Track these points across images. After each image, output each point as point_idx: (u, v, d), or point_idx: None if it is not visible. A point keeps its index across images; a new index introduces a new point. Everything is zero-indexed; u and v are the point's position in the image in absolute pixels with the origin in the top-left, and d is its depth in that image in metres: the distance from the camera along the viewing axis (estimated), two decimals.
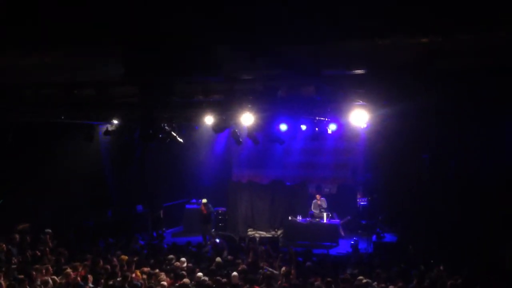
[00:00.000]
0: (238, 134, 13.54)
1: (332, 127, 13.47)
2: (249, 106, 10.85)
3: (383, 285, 9.70)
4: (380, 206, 16.10)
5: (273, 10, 4.42)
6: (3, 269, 10.01)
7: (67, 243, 12.43)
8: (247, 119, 11.71)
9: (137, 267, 10.40)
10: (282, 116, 12.44)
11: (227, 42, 4.94)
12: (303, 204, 16.91)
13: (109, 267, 10.17)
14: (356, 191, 17.36)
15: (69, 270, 9.66)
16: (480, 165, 12.35)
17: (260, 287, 9.51)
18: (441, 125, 12.43)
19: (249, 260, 11.72)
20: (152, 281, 9.68)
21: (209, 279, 9.60)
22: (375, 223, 15.48)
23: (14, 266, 10.23)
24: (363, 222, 16.08)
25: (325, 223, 15.87)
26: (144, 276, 9.81)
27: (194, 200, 17.82)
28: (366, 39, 5.37)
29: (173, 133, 13.77)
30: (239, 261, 11.34)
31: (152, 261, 11.27)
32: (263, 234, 16.58)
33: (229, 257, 11.73)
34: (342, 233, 16.26)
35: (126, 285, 9.14)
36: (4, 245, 11.06)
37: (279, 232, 16.65)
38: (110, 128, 14.48)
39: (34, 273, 9.42)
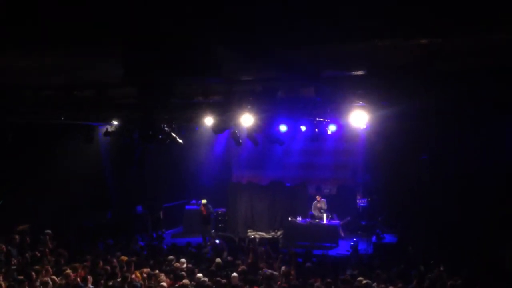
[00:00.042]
0: (238, 135, 13.53)
1: (331, 128, 13.47)
2: (249, 107, 10.85)
3: (383, 286, 9.70)
4: (380, 207, 16.10)
5: (273, 11, 4.41)
6: (3, 270, 10.00)
7: (66, 244, 12.42)
8: (247, 120, 11.72)
9: (137, 268, 10.39)
10: (281, 117, 12.44)
11: (227, 43, 4.94)
12: (303, 205, 16.92)
13: (109, 268, 10.17)
14: (356, 192, 17.36)
15: (68, 271, 9.65)
16: (480, 165, 12.36)
17: None
18: (441, 126, 12.45)
19: (249, 261, 11.71)
20: (152, 282, 9.67)
21: (208, 280, 9.59)
22: (375, 224, 15.47)
23: (13, 267, 10.21)
24: (363, 223, 16.09)
25: (325, 224, 15.87)
26: (145, 275, 9.81)
27: (194, 201, 17.82)
28: (366, 40, 5.38)
29: (173, 134, 13.76)
30: (239, 262, 11.34)
31: (151, 262, 11.26)
32: (263, 235, 16.58)
33: (229, 258, 11.73)
34: (342, 234, 16.26)
35: (126, 286, 9.13)
36: (3, 246, 11.05)
37: (279, 233, 16.65)
38: (110, 129, 14.48)
39: (33, 274, 9.40)
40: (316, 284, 9.77)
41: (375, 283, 9.66)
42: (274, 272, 10.54)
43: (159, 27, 4.59)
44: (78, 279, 9.43)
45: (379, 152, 15.09)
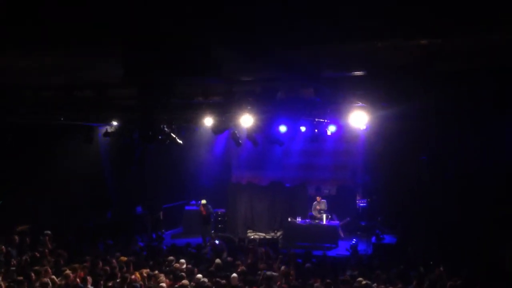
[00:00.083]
0: (238, 135, 13.54)
1: (331, 129, 13.47)
2: (249, 107, 10.86)
3: (382, 286, 9.70)
4: (380, 208, 16.09)
5: (273, 11, 4.41)
6: (2, 270, 10.00)
7: (66, 245, 12.42)
8: (246, 120, 11.72)
9: (137, 269, 10.38)
10: (281, 118, 12.44)
11: (227, 43, 4.95)
12: (303, 206, 16.91)
13: (108, 268, 10.16)
14: (356, 193, 17.35)
15: (68, 271, 9.64)
16: (480, 165, 12.36)
17: None
18: (440, 126, 12.45)
19: (249, 261, 11.71)
20: (152, 283, 9.67)
21: (208, 281, 9.59)
22: (375, 224, 15.46)
23: (13, 268, 10.20)
24: (363, 224, 16.08)
25: (324, 224, 15.86)
26: (144, 276, 9.80)
27: (193, 202, 17.82)
28: (366, 40, 5.38)
29: (172, 134, 13.76)
30: (239, 262, 11.33)
31: (151, 262, 11.27)
32: (263, 235, 16.57)
33: (229, 258, 11.72)
34: (342, 235, 16.25)
35: (125, 287, 9.13)
36: (3, 247, 11.04)
37: (278, 233, 16.64)
38: (109, 129, 14.48)
39: (33, 274, 9.40)
40: (315, 284, 9.77)
41: (374, 284, 9.66)
42: (274, 273, 10.54)
43: (159, 27, 4.59)
44: (78, 280, 9.42)
45: (379, 153, 15.09)
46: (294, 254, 12.19)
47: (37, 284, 9.12)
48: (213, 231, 16.57)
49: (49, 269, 9.91)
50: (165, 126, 13.39)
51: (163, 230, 16.90)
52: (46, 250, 11.53)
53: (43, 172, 14.36)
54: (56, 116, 12.35)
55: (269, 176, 17.97)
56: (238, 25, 4.56)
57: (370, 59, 6.39)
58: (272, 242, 14.82)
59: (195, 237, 15.79)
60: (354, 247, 14.23)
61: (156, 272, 10.14)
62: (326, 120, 13.21)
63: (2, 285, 9.00)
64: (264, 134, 12.81)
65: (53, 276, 9.59)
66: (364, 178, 17.06)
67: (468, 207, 12.19)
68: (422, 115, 11.24)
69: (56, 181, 14.48)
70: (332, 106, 10.82)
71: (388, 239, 14.91)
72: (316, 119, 13.13)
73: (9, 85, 8.48)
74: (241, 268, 10.64)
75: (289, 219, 16.26)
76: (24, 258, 11.02)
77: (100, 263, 10.50)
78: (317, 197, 16.53)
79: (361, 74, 7.63)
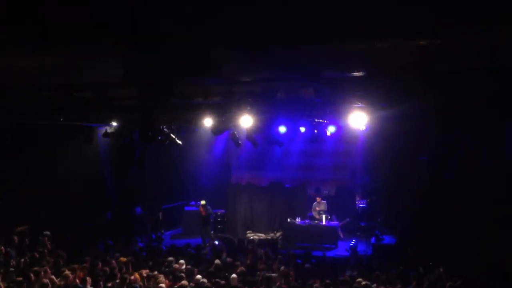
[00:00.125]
0: (237, 136, 13.54)
1: (331, 129, 13.47)
2: (248, 108, 10.86)
3: (382, 287, 9.69)
4: (379, 208, 16.09)
5: (273, 11, 4.41)
6: (1, 271, 9.98)
7: (66, 245, 12.41)
8: (246, 121, 11.72)
9: (136, 269, 10.37)
10: (281, 118, 12.46)
11: (227, 43, 4.95)
12: (302, 206, 16.90)
13: (108, 269, 10.15)
14: (355, 193, 17.35)
15: (67, 272, 9.63)
16: (480, 165, 12.37)
17: None
18: (440, 126, 12.46)
19: (248, 262, 11.70)
20: (151, 283, 9.66)
21: (208, 281, 9.58)
22: (374, 225, 15.46)
23: (12, 269, 10.18)
24: (362, 224, 16.07)
25: (324, 225, 15.86)
26: (144, 277, 9.80)
27: (193, 202, 17.81)
28: (366, 40, 5.38)
29: (172, 135, 13.76)
30: (238, 263, 11.32)
31: (151, 263, 11.26)
32: (262, 236, 16.56)
33: (228, 259, 11.71)
34: (341, 235, 16.25)
35: (125, 287, 9.12)
36: (2, 247, 11.03)
37: (278, 234, 16.63)
38: (109, 130, 14.48)
39: (32, 275, 9.39)
40: (315, 285, 9.76)
41: (374, 284, 9.65)
42: (273, 274, 10.53)
43: (159, 27, 4.59)
44: (77, 280, 9.41)
45: (378, 153, 15.10)
46: (293, 255, 12.18)
47: (37, 285, 9.11)
48: (212, 232, 16.57)
49: (48, 269, 9.90)
50: (164, 126, 13.39)
51: (162, 231, 16.89)
52: (46, 251, 11.52)
53: (43, 172, 14.37)
54: (56, 116, 12.35)
55: (268, 177, 17.97)
56: (238, 25, 4.56)
57: (370, 59, 6.40)
58: (271, 243, 14.82)
59: (194, 238, 15.78)
60: (353, 248, 14.23)
61: (156, 272, 10.13)
62: (325, 121, 13.21)
63: (2, 285, 8.99)
64: (263, 135, 12.83)
65: (53, 277, 9.59)
66: (364, 179, 17.07)
67: (468, 207, 12.20)
68: (422, 115, 11.25)
69: (56, 181, 14.49)
70: (331, 106, 10.84)
71: (387, 239, 14.91)
72: (316, 120, 13.13)
73: (9, 85, 8.48)
74: (241, 268, 10.63)
75: (289, 220, 16.25)
76: (23, 258, 11.01)
77: (100, 264, 10.49)
78: (317, 198, 16.52)
79: (360, 74, 7.64)
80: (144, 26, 4.55)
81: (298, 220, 16.13)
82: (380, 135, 13.92)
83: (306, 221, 16.09)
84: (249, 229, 17.21)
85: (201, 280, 9.64)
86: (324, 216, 15.94)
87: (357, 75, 7.68)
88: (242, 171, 18.30)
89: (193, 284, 9.52)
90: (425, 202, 13.54)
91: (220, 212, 17.58)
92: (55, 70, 6.78)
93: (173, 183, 18.28)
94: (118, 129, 14.15)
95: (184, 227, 17.85)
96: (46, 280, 9.18)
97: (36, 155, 14.24)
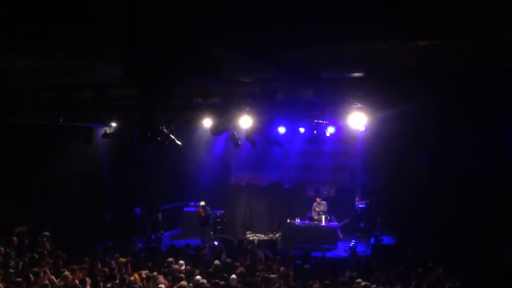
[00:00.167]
0: (237, 136, 13.53)
1: (330, 130, 13.45)
2: (248, 109, 10.87)
3: (381, 287, 9.69)
4: (379, 209, 16.09)
5: (273, 11, 4.41)
6: (1, 272, 9.97)
7: (65, 246, 12.40)
8: (245, 121, 11.72)
9: (135, 270, 10.37)
10: (280, 119, 12.46)
11: (227, 43, 4.94)
12: (302, 207, 16.89)
13: (107, 270, 10.14)
14: (355, 194, 17.33)
15: (67, 273, 9.63)
16: (480, 165, 12.38)
17: None
18: (440, 126, 12.47)
19: (248, 262, 11.69)
20: (150, 284, 9.65)
21: (207, 282, 9.57)
22: (374, 225, 15.45)
23: (11, 270, 10.16)
24: (362, 225, 16.06)
25: (323, 225, 15.85)
26: (143, 277, 9.79)
27: (192, 203, 17.79)
28: (365, 41, 5.39)
29: (171, 135, 13.75)
30: (238, 263, 11.32)
31: (150, 263, 11.24)
32: (262, 236, 16.56)
33: (228, 259, 11.70)
34: (341, 236, 16.24)
35: None
36: (1, 248, 11.02)
37: (277, 234, 16.63)
38: (108, 131, 14.48)
39: (32, 276, 9.38)
40: (314, 286, 9.76)
41: (373, 285, 9.65)
42: (272, 275, 10.53)
43: (159, 27, 4.58)
44: (77, 281, 9.40)
45: (378, 154, 15.10)
46: (293, 255, 12.17)
47: (36, 285, 9.10)
48: (212, 233, 16.55)
49: (47, 270, 9.89)
50: (164, 127, 13.39)
51: (162, 232, 16.89)
52: (45, 252, 11.51)
53: (43, 173, 14.38)
54: (55, 116, 12.35)
55: (268, 177, 17.95)
56: (238, 25, 4.56)
57: (370, 59, 6.41)
58: (271, 244, 14.81)
59: (194, 239, 15.77)
60: (353, 249, 14.22)
61: (155, 273, 10.13)
62: (325, 121, 13.20)
63: (1, 286, 8.98)
64: (263, 135, 12.82)
65: (52, 277, 9.58)
66: (363, 179, 17.06)
67: (468, 207, 12.21)
68: (422, 116, 11.25)
69: (56, 182, 14.50)
70: (331, 107, 10.84)
71: (387, 240, 14.91)
72: (315, 120, 13.12)
73: (9, 86, 8.47)
74: (240, 269, 10.62)
75: (288, 220, 16.24)
76: (22, 259, 10.99)
77: (99, 264, 10.48)
78: (317, 199, 16.51)
79: (360, 75, 7.64)
80: (144, 26, 4.55)
81: (297, 220, 16.12)
82: (379, 136, 13.93)
83: (306, 221, 16.09)
84: (249, 230, 17.20)
85: (201, 280, 9.64)
86: (323, 217, 15.93)
87: (357, 75, 7.68)
88: (242, 172, 18.29)
89: (192, 285, 9.52)
90: (425, 202, 13.55)
91: (219, 212, 17.57)
92: (55, 70, 6.78)
93: (172, 184, 18.27)
94: (117, 129, 14.15)
95: (184, 228, 17.83)
96: (45, 281, 9.17)
97: (36, 156, 14.25)
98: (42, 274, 9.57)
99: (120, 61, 4.98)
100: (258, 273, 10.40)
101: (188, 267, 10.86)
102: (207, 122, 12.76)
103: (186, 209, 17.97)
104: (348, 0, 4.34)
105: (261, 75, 7.88)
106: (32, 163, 14.22)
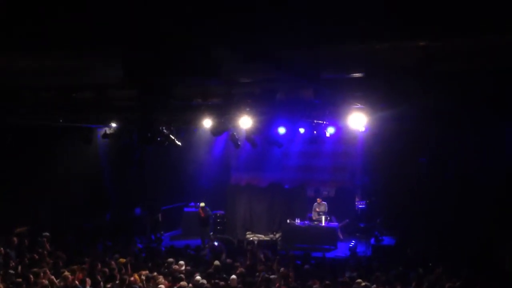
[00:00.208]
0: (237, 137, 13.54)
1: (330, 130, 13.46)
2: (248, 109, 10.87)
3: None
4: (379, 209, 16.09)
5: (273, 11, 4.41)
6: (1, 272, 9.96)
7: (65, 246, 12.40)
8: (245, 122, 11.73)
9: (135, 270, 10.37)
10: (280, 119, 12.47)
11: (227, 43, 4.94)
12: (302, 207, 16.90)
13: (107, 270, 10.14)
14: (355, 194, 17.32)
15: (67, 273, 9.63)
16: (480, 165, 12.38)
17: None
18: (440, 126, 12.47)
19: (248, 263, 11.70)
20: (150, 284, 9.65)
21: (207, 282, 9.58)
22: (374, 226, 15.46)
23: (11, 270, 10.16)
24: (362, 225, 16.06)
25: (323, 226, 15.86)
26: (143, 278, 9.79)
27: (192, 203, 17.79)
28: (365, 41, 5.38)
29: (171, 136, 13.75)
30: (238, 264, 11.32)
31: (150, 264, 11.25)
32: (262, 237, 16.57)
33: (228, 260, 11.71)
34: (341, 236, 16.25)
35: None
36: (1, 249, 11.02)
37: (277, 235, 16.63)
38: (108, 131, 14.48)
39: (32, 276, 9.38)
40: (314, 286, 9.77)
41: (374, 285, 9.66)
42: (271, 276, 10.52)
43: (159, 27, 4.58)
44: (77, 282, 9.40)
45: (378, 154, 15.10)
46: (293, 256, 12.19)
47: (36, 286, 9.10)
48: (212, 233, 16.55)
49: (47, 270, 9.89)
50: (164, 127, 13.38)
51: (162, 232, 16.89)
52: (45, 252, 11.50)
53: (43, 173, 14.38)
54: (55, 117, 12.35)
55: (268, 178, 17.95)
56: (238, 25, 4.56)
57: (370, 59, 6.40)
58: (271, 244, 14.82)
59: (194, 239, 15.77)
60: (353, 249, 14.22)
61: (155, 273, 10.13)
62: (325, 122, 13.20)
63: (1, 287, 8.98)
64: (263, 136, 12.83)
65: (52, 278, 9.58)
66: (363, 180, 17.05)
67: (468, 207, 12.21)
68: (422, 116, 11.25)
69: (56, 182, 14.50)
70: (331, 107, 10.84)
71: (387, 240, 14.92)
72: (315, 121, 13.13)
73: (9, 86, 8.47)
74: (240, 269, 10.63)
75: (288, 221, 16.26)
76: (22, 260, 10.99)
77: (99, 265, 10.48)
78: (318, 199, 16.52)
79: (360, 75, 7.63)
80: (144, 26, 4.55)
81: (297, 221, 16.13)
82: (379, 136, 13.93)
83: (306, 222, 16.10)
84: (249, 230, 17.21)
85: (201, 281, 9.64)
86: (323, 217, 15.94)
87: (357, 75, 7.67)
88: (242, 172, 18.28)
89: (192, 285, 9.52)
90: (425, 202, 13.55)
91: (219, 213, 17.57)
92: (55, 70, 6.78)
93: (172, 184, 18.26)
94: (117, 130, 14.15)
95: (184, 228, 17.83)
96: (45, 281, 9.17)
97: (36, 156, 14.25)
98: (42, 274, 9.57)
99: (120, 61, 4.98)
100: (258, 274, 10.40)
101: (188, 268, 10.87)
102: (207, 123, 12.76)
103: (186, 209, 17.98)
104: (348, 0, 4.34)
105: (261, 75, 7.87)
106: (32, 163, 14.22)
